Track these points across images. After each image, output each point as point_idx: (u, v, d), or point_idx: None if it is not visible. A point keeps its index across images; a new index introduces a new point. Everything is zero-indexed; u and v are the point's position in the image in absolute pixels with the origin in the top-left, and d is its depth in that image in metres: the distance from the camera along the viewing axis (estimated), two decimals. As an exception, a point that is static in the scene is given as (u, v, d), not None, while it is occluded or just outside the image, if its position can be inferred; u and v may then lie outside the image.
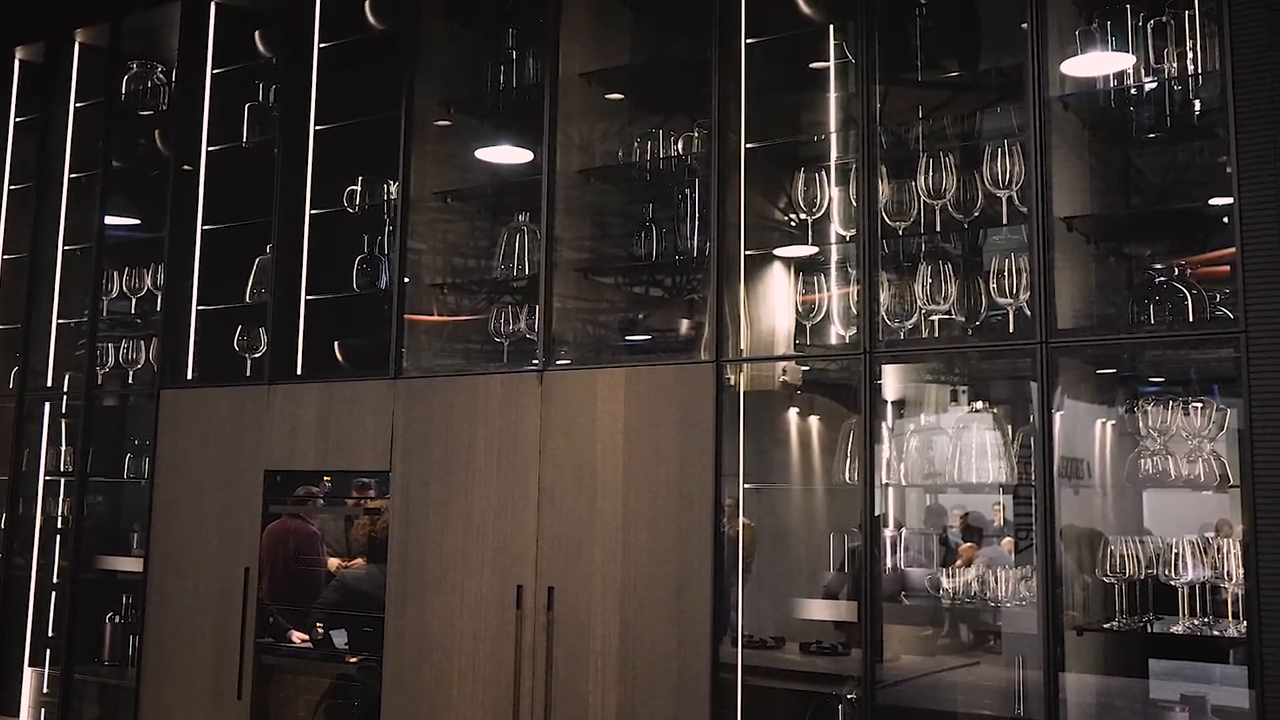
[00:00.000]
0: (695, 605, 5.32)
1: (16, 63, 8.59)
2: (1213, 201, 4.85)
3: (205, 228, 7.36)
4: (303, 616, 6.62)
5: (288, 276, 6.93)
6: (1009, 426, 5.26)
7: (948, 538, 5.63)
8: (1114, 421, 5.18)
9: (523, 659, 5.71)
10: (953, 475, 5.29)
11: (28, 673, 7.86)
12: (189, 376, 7.31)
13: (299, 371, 6.84)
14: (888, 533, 5.40)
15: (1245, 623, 4.47)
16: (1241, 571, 4.59)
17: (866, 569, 5.05)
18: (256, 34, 7.51)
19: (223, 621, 6.75)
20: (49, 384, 8.11)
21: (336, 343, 6.76)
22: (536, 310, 6.04)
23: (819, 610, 5.71)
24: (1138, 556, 4.90)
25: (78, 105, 8.24)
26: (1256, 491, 4.33)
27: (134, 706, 7.09)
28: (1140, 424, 4.96)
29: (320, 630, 6.54)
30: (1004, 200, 5.13)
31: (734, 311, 5.54)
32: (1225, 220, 4.61)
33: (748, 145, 5.64)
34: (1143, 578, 4.92)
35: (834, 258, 5.74)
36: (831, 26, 5.77)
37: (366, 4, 7.00)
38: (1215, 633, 4.78)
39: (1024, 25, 4.92)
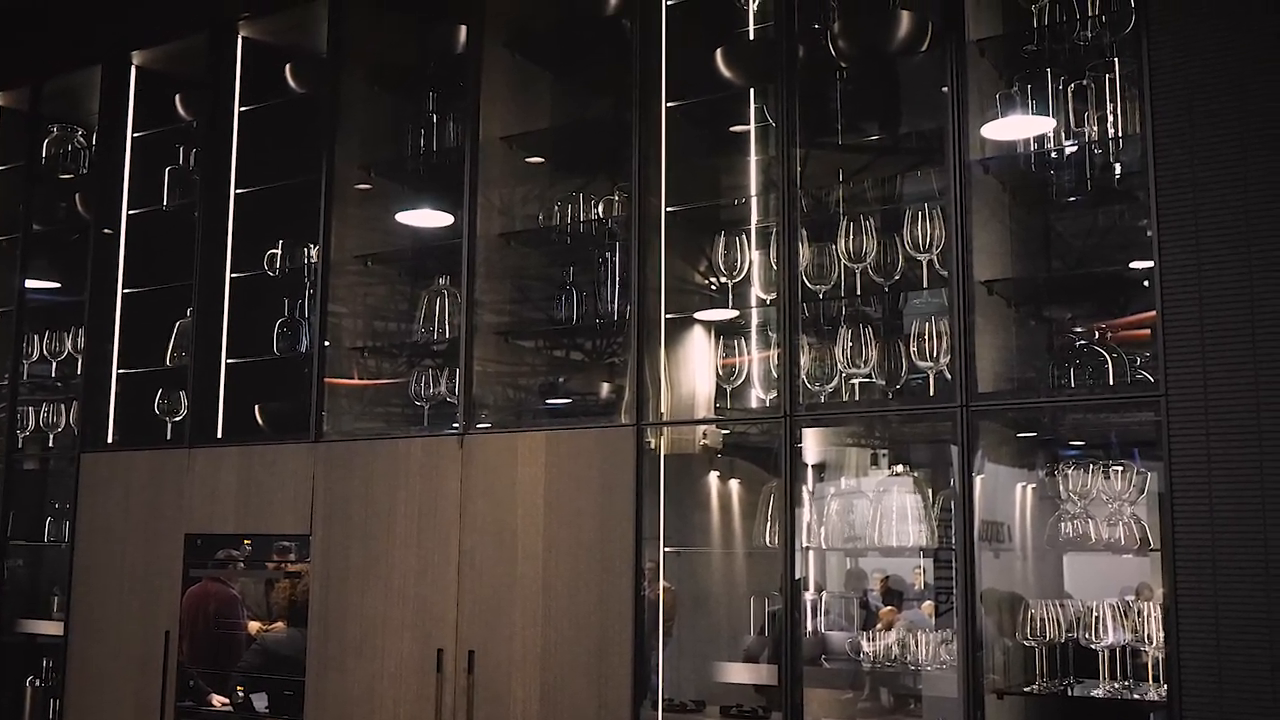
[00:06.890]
0: (616, 668, 5.21)
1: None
2: (1133, 265, 4.82)
3: (126, 291, 7.27)
4: (223, 680, 6.46)
5: (208, 340, 6.81)
6: (929, 490, 5.20)
7: (868, 601, 5.56)
8: (1034, 485, 5.13)
9: (443, 724, 5.57)
10: (873, 539, 5.22)
11: (-54, 736, 7.62)
12: (109, 440, 7.18)
13: (219, 435, 6.72)
14: (808, 596, 5.31)
15: (1165, 686, 4.38)
16: (1162, 635, 4.51)
17: (787, 632, 4.94)
18: (177, 97, 7.39)
19: (143, 685, 6.61)
20: (-32, 447, 7.92)
21: (257, 406, 6.64)
22: (457, 374, 5.96)
23: (739, 674, 5.59)
24: (1058, 620, 4.82)
25: (-2, 168, 8.15)
26: (1177, 555, 4.25)
27: (54, 772, 6.93)
28: (1061, 487, 4.90)
29: (241, 694, 6.38)
30: (924, 264, 5.07)
31: (654, 375, 5.44)
32: (1146, 284, 4.56)
33: (668, 209, 5.56)
34: (1063, 641, 4.85)
35: (754, 321, 5.68)
36: (752, 90, 5.71)
37: (286, 68, 6.91)
38: (1136, 696, 4.69)
39: (944, 89, 4.88)
